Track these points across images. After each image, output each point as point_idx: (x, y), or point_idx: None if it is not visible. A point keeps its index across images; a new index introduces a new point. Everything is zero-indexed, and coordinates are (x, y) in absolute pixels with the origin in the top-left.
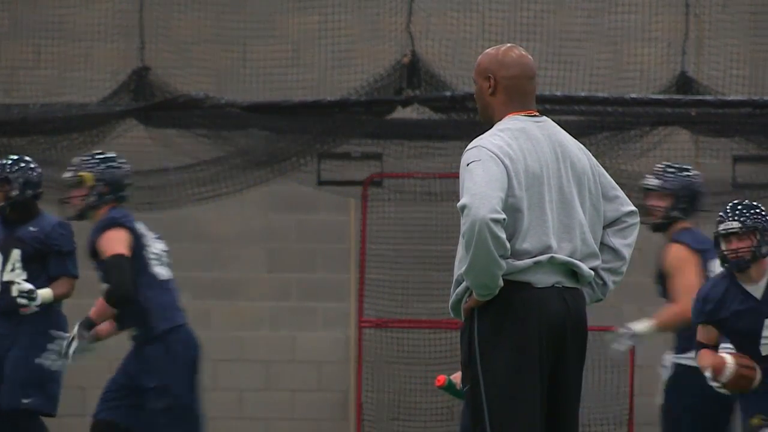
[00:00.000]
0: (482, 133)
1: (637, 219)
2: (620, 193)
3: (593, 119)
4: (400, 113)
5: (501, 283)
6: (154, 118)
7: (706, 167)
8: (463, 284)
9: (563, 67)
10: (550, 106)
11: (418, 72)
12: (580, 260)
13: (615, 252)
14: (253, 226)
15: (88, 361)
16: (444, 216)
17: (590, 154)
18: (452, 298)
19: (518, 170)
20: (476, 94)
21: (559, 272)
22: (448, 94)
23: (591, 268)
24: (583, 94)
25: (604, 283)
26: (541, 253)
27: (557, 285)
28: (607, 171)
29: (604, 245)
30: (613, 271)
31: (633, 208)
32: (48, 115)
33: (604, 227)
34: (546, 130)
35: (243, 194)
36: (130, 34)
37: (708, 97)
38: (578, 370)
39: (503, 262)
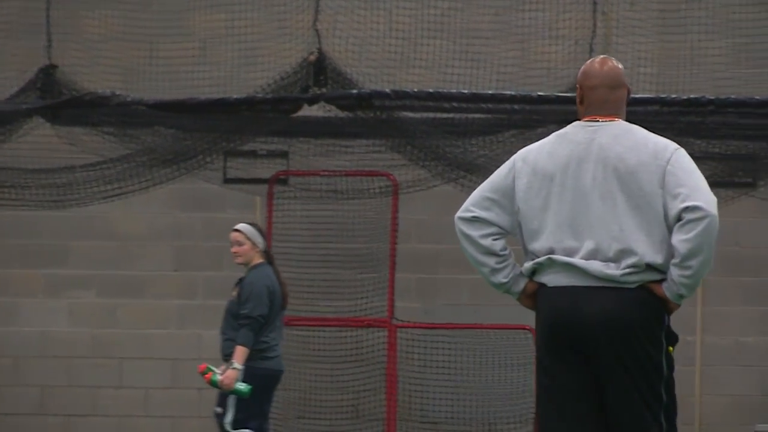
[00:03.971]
0: (389, 132)
1: (699, 213)
2: (685, 189)
3: (500, 117)
4: (307, 111)
5: (503, 281)
6: (61, 116)
7: None
8: None
9: (470, 65)
10: (456, 103)
11: (325, 70)
12: (607, 258)
13: (675, 247)
14: (160, 224)
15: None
16: (350, 214)
17: (666, 155)
18: None
19: (533, 173)
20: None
21: (569, 271)
22: (354, 92)
23: (629, 266)
24: (490, 92)
25: (673, 279)
26: (545, 254)
27: (569, 285)
28: None
29: (672, 242)
30: (677, 266)
31: (692, 203)
32: None
33: (675, 225)
34: (595, 134)
35: (150, 192)
36: (37, 32)
37: None
38: (619, 369)
39: (486, 259)
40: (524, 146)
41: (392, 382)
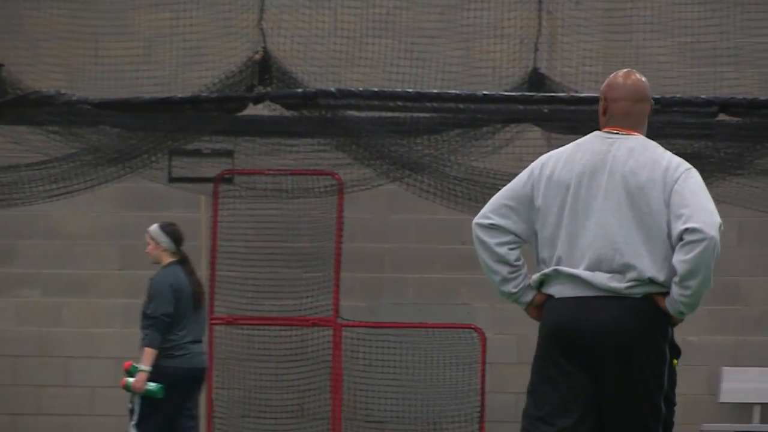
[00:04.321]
0: (334, 131)
1: (698, 236)
2: (687, 210)
3: (445, 116)
4: (252, 110)
5: (512, 290)
6: (5, 115)
7: None
8: None
9: (415, 64)
10: (402, 102)
11: (270, 69)
12: (611, 270)
13: (674, 267)
14: (104, 222)
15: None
16: (295, 213)
17: (675, 174)
18: None
19: (549, 181)
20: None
21: (573, 283)
22: (299, 91)
23: (632, 279)
24: (435, 91)
25: (673, 297)
26: (549, 265)
27: (574, 296)
28: (458, 168)
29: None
30: (678, 285)
31: (692, 225)
32: None
33: (676, 245)
34: (611, 146)
35: (95, 191)
36: None
37: (561, 94)
38: (620, 378)
39: (499, 267)
40: (469, 145)
41: (337, 381)
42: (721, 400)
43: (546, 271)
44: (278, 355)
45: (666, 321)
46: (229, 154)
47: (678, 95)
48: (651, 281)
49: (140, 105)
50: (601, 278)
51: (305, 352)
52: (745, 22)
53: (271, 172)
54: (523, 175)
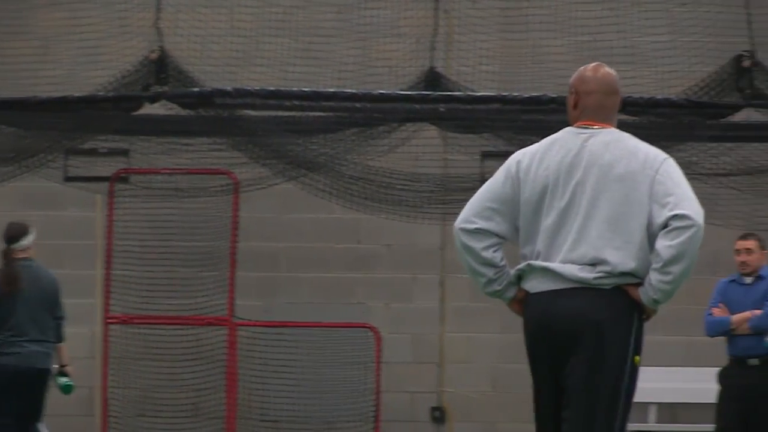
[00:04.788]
0: (230, 130)
1: (686, 222)
2: (673, 198)
3: (341, 115)
4: (148, 109)
5: (497, 288)
6: None
7: (455, 163)
8: None
9: (312, 63)
10: (298, 102)
11: (167, 68)
12: (583, 262)
13: (657, 252)
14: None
15: None
16: (191, 212)
17: (655, 164)
18: None
19: (527, 178)
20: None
21: (545, 276)
22: (196, 90)
23: (602, 271)
24: (331, 90)
25: (651, 283)
26: (524, 260)
27: (546, 290)
28: (354, 167)
29: (654, 248)
30: (657, 270)
31: (680, 211)
32: None
33: (659, 231)
34: (586, 141)
35: None
36: None
37: (457, 93)
38: (583, 366)
39: (485, 270)
40: (366, 144)
41: (232, 381)
42: None
43: (520, 266)
44: (173, 354)
45: (635, 312)
46: (124, 153)
47: None
48: (624, 274)
49: (36, 104)
50: (571, 269)
51: (200, 352)
52: (642, 21)
53: (167, 171)
54: (499, 175)
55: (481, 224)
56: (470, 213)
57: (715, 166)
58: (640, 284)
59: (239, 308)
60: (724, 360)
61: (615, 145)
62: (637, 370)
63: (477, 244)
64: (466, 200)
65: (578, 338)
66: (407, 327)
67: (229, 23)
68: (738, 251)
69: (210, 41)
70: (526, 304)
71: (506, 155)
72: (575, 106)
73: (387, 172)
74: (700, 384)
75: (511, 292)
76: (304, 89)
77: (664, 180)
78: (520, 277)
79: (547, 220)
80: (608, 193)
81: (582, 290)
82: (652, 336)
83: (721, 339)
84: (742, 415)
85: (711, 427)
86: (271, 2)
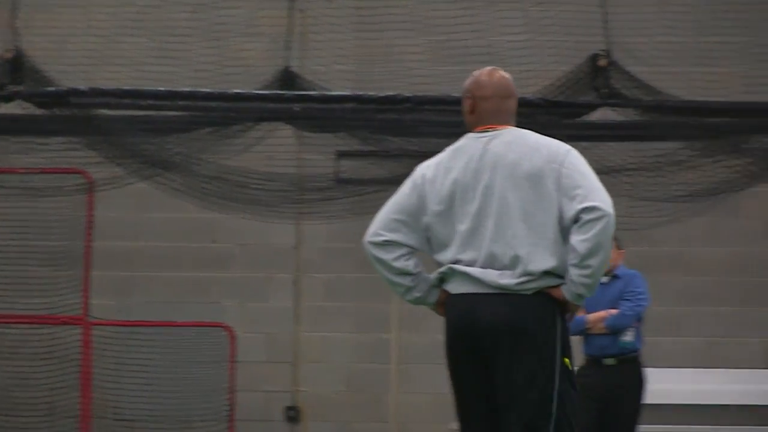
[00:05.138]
0: (85, 129)
1: (597, 213)
2: (581, 191)
3: (197, 115)
4: (3, 108)
5: (417, 295)
6: None
7: (309, 163)
8: None
9: (167, 63)
10: (153, 101)
11: (22, 67)
12: (502, 266)
13: (572, 247)
14: None
15: None
16: (46, 211)
17: (558, 158)
18: None
19: (433, 188)
20: (463, 112)
21: (466, 281)
22: (51, 89)
23: (523, 274)
24: (187, 89)
25: (572, 279)
26: (444, 264)
27: (468, 292)
28: (209, 167)
29: (569, 242)
30: (576, 266)
31: (589, 204)
32: None
33: (571, 225)
34: (488, 144)
35: None
36: None
37: (312, 92)
38: (512, 370)
39: (401, 280)
40: (221, 143)
41: (87, 380)
42: None
43: (442, 269)
44: (28, 354)
45: (559, 316)
46: None
47: (430, 93)
48: (545, 274)
49: None
50: (491, 276)
51: (55, 351)
52: (498, 20)
53: (22, 170)
54: (405, 188)
55: (388, 236)
56: (377, 226)
57: None
58: (560, 284)
59: (94, 307)
60: (581, 359)
61: (517, 143)
62: (571, 372)
63: (387, 256)
64: (321, 200)
65: (502, 346)
66: (262, 326)
67: (85, 23)
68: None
69: (66, 41)
70: (448, 305)
71: (361, 155)
72: (472, 110)
73: (242, 171)
74: None
75: (434, 297)
76: (159, 89)
77: (571, 172)
78: (442, 280)
79: (462, 227)
80: (517, 192)
81: (504, 296)
82: None
83: (578, 339)
84: (600, 414)
85: None
86: (126, 2)
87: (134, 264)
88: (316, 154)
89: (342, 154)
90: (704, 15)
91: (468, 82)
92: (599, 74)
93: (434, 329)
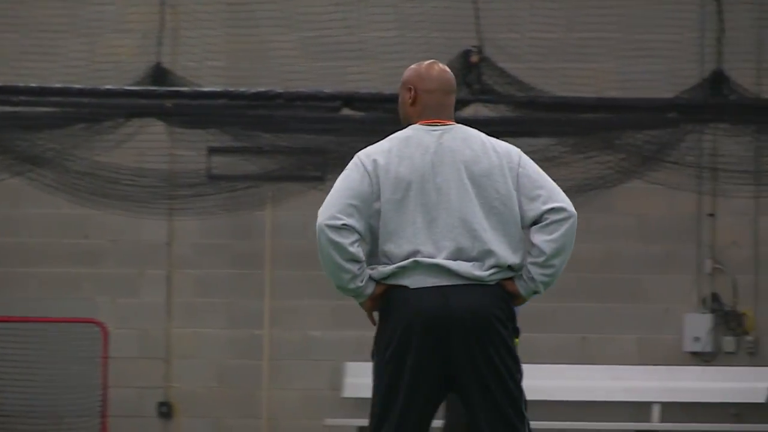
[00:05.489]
0: None
1: (563, 214)
2: (544, 191)
3: (69, 111)
4: None
5: (359, 284)
6: None
7: (181, 158)
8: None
9: (40, 59)
10: (25, 97)
11: None
12: (471, 258)
13: (537, 247)
14: None
15: None
16: None
17: (514, 157)
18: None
19: (387, 176)
20: (399, 104)
21: (435, 273)
22: None
23: (492, 266)
24: (58, 85)
25: (532, 277)
26: (406, 257)
27: (436, 285)
28: (81, 163)
29: (530, 242)
30: (539, 265)
31: (555, 204)
32: None
33: (531, 225)
34: (440, 138)
35: None
36: None
37: (183, 89)
38: (488, 365)
39: (351, 266)
40: (93, 139)
41: None
42: (345, 395)
43: (403, 263)
44: None
45: (512, 303)
46: None
47: (302, 89)
48: (509, 268)
49: None
50: (465, 267)
51: None
52: (370, 16)
53: None
54: (354, 173)
55: (346, 220)
56: (334, 210)
57: None
58: (512, 277)
59: None
60: None
61: (471, 141)
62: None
63: (344, 240)
64: (193, 196)
65: (478, 334)
66: (134, 322)
67: None
68: None
69: None
70: (402, 298)
71: (232, 151)
72: (413, 103)
73: (114, 167)
74: None
75: (371, 289)
76: (31, 85)
77: (529, 173)
78: (390, 275)
79: (418, 218)
80: (478, 189)
81: (474, 287)
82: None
83: None
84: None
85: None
86: None
87: (7, 260)
88: (187, 150)
89: (213, 150)
90: (576, 11)
91: (409, 74)
92: (471, 70)
93: (306, 325)
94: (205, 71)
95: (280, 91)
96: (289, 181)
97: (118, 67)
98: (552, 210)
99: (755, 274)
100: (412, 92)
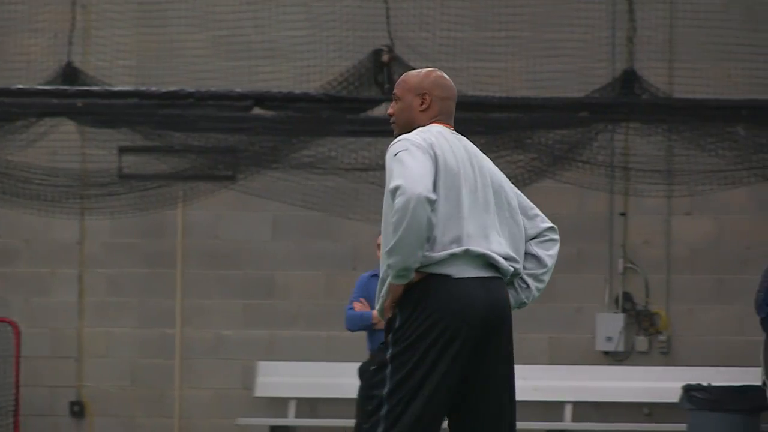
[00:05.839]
0: None
1: (557, 235)
2: (539, 212)
3: None
4: None
5: (416, 266)
6: None
7: (93, 158)
8: (387, 282)
9: None
10: None
11: None
12: (502, 255)
13: (538, 259)
14: None
15: None
16: None
17: (503, 174)
18: (380, 301)
19: (441, 163)
20: (402, 108)
21: (478, 264)
22: None
23: (514, 268)
24: None
25: (528, 287)
26: (456, 244)
27: (479, 276)
28: None
29: (528, 254)
30: (535, 277)
31: (551, 225)
32: None
33: (527, 241)
34: (462, 141)
35: None
36: None
37: (94, 88)
38: (507, 358)
39: (424, 246)
40: (4, 139)
41: None
42: (257, 394)
43: (455, 250)
44: None
45: None
46: None
47: (213, 89)
48: (512, 275)
49: None
50: (503, 261)
51: None
52: (281, 15)
53: None
54: (420, 154)
55: (434, 197)
56: (428, 182)
57: (354, 161)
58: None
59: None
60: (364, 355)
61: (481, 153)
62: None
63: (433, 218)
64: (104, 195)
65: (501, 330)
66: (46, 321)
67: None
68: (379, 246)
69: None
70: (440, 288)
71: (144, 150)
72: (427, 109)
73: (25, 166)
74: (340, 379)
75: (413, 274)
76: None
77: (520, 193)
78: (435, 261)
79: (465, 209)
80: (496, 197)
81: (502, 282)
82: (288, 331)
83: (362, 334)
84: None
85: (351, 421)
86: None
87: None
88: (99, 150)
89: (125, 150)
90: (486, 10)
91: (419, 80)
92: (382, 69)
93: (218, 325)
94: (116, 71)
95: (191, 90)
96: (201, 180)
97: (29, 67)
98: (551, 229)
99: (667, 273)
100: (427, 98)
